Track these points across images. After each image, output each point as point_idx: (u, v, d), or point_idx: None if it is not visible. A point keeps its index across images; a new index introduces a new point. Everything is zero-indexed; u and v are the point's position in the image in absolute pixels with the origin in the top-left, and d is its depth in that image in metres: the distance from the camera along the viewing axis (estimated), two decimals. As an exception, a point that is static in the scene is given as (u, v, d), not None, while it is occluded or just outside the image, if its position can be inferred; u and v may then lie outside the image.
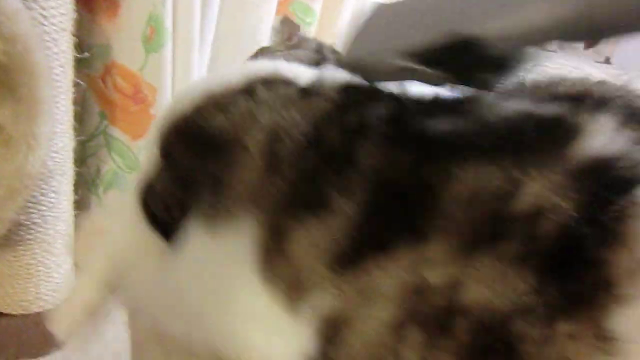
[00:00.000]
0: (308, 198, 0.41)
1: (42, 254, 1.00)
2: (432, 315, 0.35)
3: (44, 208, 0.98)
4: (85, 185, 1.16)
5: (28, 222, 0.97)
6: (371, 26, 0.50)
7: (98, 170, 1.15)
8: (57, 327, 0.63)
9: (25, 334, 1.05)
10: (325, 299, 0.39)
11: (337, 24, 1.50)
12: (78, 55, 0.93)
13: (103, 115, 1.09)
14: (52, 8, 0.84)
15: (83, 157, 1.12)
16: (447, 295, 0.34)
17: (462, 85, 0.46)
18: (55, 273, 1.05)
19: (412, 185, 0.38)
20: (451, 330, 0.34)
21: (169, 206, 0.52)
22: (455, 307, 0.34)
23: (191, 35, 1.04)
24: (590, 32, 0.42)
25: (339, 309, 0.39)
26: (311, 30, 1.41)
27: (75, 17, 0.90)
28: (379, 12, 0.51)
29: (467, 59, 0.43)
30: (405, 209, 0.38)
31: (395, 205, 0.39)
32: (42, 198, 0.97)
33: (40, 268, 1.01)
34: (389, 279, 0.36)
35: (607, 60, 3.35)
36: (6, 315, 1.06)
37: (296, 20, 1.38)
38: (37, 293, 1.04)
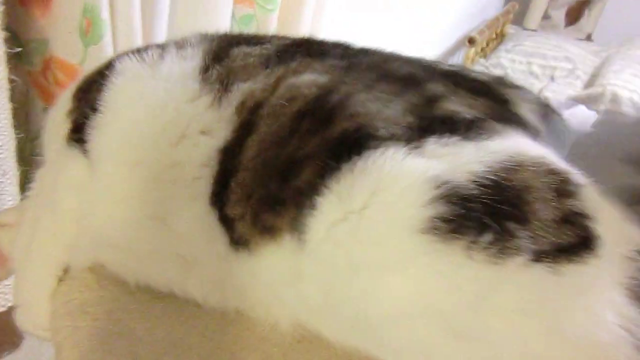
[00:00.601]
0: None
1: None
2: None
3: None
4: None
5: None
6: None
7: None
8: (25, 324, 0.63)
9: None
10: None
11: (301, 11, 1.47)
12: (10, 51, 0.89)
13: (47, 112, 1.06)
14: (-24, 1, 0.81)
15: (29, 155, 1.09)
16: None
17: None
18: (4, 275, 1.02)
19: None
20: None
21: None
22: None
23: (131, 25, 1.01)
24: None
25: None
26: (273, 17, 1.38)
27: (8, 11, 0.87)
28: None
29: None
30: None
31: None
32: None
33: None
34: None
35: (589, 37, 3.35)
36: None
37: (256, 8, 1.35)
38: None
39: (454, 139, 0.43)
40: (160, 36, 1.12)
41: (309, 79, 0.51)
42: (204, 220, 0.52)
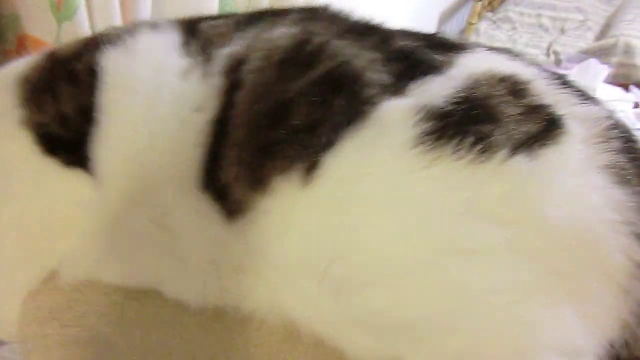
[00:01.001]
0: None
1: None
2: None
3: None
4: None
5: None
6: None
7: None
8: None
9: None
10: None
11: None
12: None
13: None
14: None
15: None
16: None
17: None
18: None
19: None
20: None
21: None
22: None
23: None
24: None
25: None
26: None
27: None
28: None
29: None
30: None
31: None
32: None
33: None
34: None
35: None
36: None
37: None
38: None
39: (427, 77, 0.49)
40: (144, 10, 1.05)
41: (281, 31, 0.54)
42: (196, 210, 0.51)
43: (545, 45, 2.66)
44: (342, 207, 0.46)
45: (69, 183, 0.54)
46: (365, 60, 0.50)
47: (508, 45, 2.71)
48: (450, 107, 0.45)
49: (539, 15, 2.75)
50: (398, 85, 0.48)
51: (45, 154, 0.55)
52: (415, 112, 0.45)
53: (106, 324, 0.53)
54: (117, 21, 0.98)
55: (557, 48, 2.56)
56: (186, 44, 0.55)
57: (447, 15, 3.03)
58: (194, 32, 0.57)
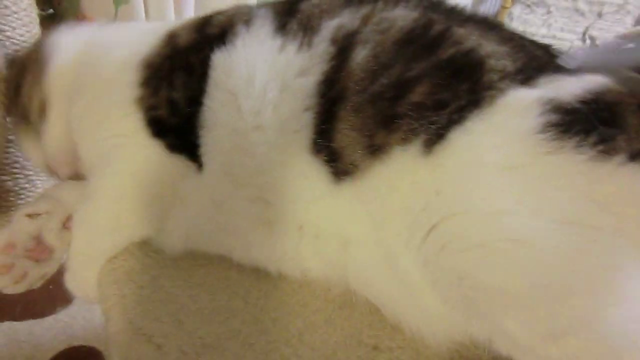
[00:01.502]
0: None
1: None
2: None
3: (30, 172, 0.98)
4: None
5: (16, 188, 0.97)
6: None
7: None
8: (76, 286, 0.64)
9: (30, 295, 1.07)
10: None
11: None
12: (43, 12, 0.89)
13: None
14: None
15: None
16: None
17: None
18: (51, 234, 1.06)
19: None
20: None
21: None
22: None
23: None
24: None
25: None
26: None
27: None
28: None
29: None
30: None
31: None
32: (27, 163, 0.97)
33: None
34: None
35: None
36: None
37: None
38: (36, 255, 1.06)
39: (558, 75, 0.52)
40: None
41: (401, 13, 0.57)
42: (304, 174, 0.55)
43: (581, 29, 2.61)
44: (467, 175, 0.48)
45: (171, 166, 0.59)
46: (488, 49, 0.53)
47: (542, 29, 2.67)
48: (578, 105, 0.48)
49: (575, -1, 2.70)
50: (525, 75, 0.51)
51: (152, 137, 0.60)
52: (544, 102, 0.48)
53: (176, 286, 0.58)
54: (170, 6, 1.02)
55: (594, 33, 2.52)
56: (282, 25, 0.59)
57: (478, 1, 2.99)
58: (293, 11, 0.61)
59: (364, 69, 0.54)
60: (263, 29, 0.60)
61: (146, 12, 1.00)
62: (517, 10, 2.77)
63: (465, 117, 0.50)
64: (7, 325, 1.01)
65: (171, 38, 0.64)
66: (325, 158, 0.54)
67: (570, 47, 2.45)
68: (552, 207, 0.45)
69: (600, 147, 0.45)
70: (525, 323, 0.44)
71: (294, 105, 0.55)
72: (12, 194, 0.96)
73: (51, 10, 0.92)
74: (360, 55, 0.54)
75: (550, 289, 0.43)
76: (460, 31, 0.55)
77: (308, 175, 0.55)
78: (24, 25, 0.85)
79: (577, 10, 2.71)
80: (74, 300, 1.10)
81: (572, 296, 0.43)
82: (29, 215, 0.64)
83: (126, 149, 0.61)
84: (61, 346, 0.99)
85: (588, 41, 2.56)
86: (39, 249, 0.63)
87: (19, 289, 0.61)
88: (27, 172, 0.98)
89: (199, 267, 0.61)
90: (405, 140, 0.51)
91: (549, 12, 2.77)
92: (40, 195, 0.71)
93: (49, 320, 1.04)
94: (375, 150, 0.52)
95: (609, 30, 2.50)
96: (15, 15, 0.83)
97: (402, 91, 0.52)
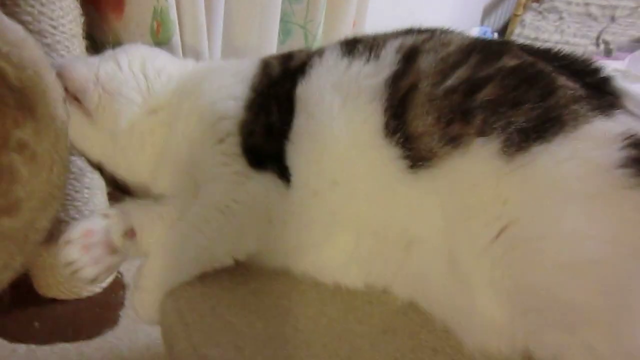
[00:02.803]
0: None
1: (83, 246, 1.08)
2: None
3: (80, 204, 1.05)
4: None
5: (67, 219, 1.04)
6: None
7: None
8: (141, 306, 0.69)
9: (79, 317, 1.15)
10: None
11: None
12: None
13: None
14: (61, 17, 0.88)
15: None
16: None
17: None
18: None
19: None
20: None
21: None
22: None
23: (197, 23, 1.06)
24: None
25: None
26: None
27: (84, 18, 0.93)
28: None
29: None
30: None
31: None
32: (77, 195, 1.04)
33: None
34: None
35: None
36: (62, 301, 1.16)
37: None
38: (85, 280, 1.13)
39: (627, 113, 0.55)
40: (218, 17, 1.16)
41: (458, 36, 0.66)
42: (381, 161, 0.61)
43: (594, 34, 2.64)
44: (551, 195, 0.52)
45: (265, 188, 0.67)
46: (551, 70, 0.58)
47: (555, 36, 2.70)
48: None
49: (587, 4, 2.72)
50: (599, 103, 0.55)
51: (249, 166, 0.68)
52: (625, 136, 0.51)
53: (233, 314, 0.64)
54: (204, 48, 1.09)
55: (607, 37, 2.54)
56: (349, 50, 0.69)
57: (492, 7, 3.02)
58: (357, 41, 0.70)
59: (432, 67, 0.60)
60: (332, 55, 0.70)
61: (183, 52, 1.07)
62: (528, 17, 2.80)
63: (549, 134, 0.53)
64: (60, 347, 1.09)
65: (266, 67, 0.75)
66: (401, 140, 0.60)
67: (584, 52, 2.48)
68: (628, 237, 0.49)
69: None
70: (610, 338, 0.47)
71: (361, 100, 0.63)
72: (63, 224, 1.03)
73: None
74: (428, 59, 0.62)
75: (633, 308, 0.48)
76: (515, 48, 0.61)
77: (383, 161, 0.61)
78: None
79: (589, 15, 2.74)
80: (120, 322, 1.16)
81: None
82: (104, 215, 0.72)
83: (223, 178, 0.68)
84: (111, 366, 1.06)
85: (602, 46, 2.58)
86: (109, 243, 0.70)
87: (93, 272, 0.68)
88: (76, 204, 1.05)
89: (251, 294, 0.67)
90: (484, 134, 0.56)
91: (561, 18, 2.80)
92: (112, 206, 0.80)
93: (97, 342, 1.11)
94: (454, 139, 0.57)
95: (624, 34, 2.52)
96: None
97: (473, 87, 0.57)
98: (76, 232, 0.68)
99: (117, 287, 1.21)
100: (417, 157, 0.59)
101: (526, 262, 0.52)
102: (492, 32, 2.74)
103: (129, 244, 0.72)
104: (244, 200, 0.66)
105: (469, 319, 0.58)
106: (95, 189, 1.06)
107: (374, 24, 1.66)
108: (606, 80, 0.60)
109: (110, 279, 1.20)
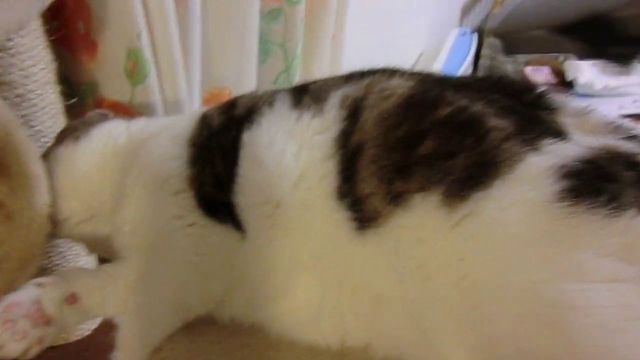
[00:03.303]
0: None
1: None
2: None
3: (63, 249, 1.03)
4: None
5: (50, 265, 1.02)
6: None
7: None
8: None
9: (70, 362, 1.13)
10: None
11: (327, 3, 1.46)
12: (67, 103, 0.95)
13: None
14: (32, 66, 0.86)
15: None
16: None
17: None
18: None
19: None
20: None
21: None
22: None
23: (174, 58, 1.04)
24: None
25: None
26: (300, 10, 1.38)
27: (56, 62, 0.92)
28: None
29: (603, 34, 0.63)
30: None
31: None
32: (60, 241, 1.02)
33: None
34: None
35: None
36: (50, 348, 1.13)
37: (282, 2, 1.35)
38: (73, 324, 1.11)
39: (556, 139, 0.56)
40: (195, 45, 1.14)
41: (398, 82, 0.64)
42: (335, 222, 0.60)
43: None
44: (498, 245, 0.53)
45: (226, 239, 0.66)
46: (481, 108, 0.58)
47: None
48: (585, 167, 0.52)
49: None
50: (528, 138, 0.56)
51: (205, 215, 0.67)
52: (555, 170, 0.52)
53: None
54: (181, 83, 1.08)
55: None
56: (297, 101, 0.68)
57: (469, 7, 3.02)
58: (304, 91, 0.70)
59: (373, 123, 0.60)
60: (283, 105, 0.69)
61: (162, 91, 1.06)
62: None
63: (488, 179, 0.54)
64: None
65: (205, 119, 0.73)
66: (349, 203, 0.59)
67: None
68: (585, 268, 0.49)
69: (612, 205, 0.49)
70: None
71: (315, 156, 0.63)
72: (47, 272, 1.01)
73: (74, 100, 0.98)
74: (371, 116, 0.61)
75: (615, 348, 0.47)
76: (451, 95, 0.61)
77: (335, 222, 0.60)
78: (51, 117, 0.91)
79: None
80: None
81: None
82: (37, 284, 0.69)
83: (184, 231, 0.67)
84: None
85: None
86: (37, 314, 0.66)
87: (18, 347, 0.64)
88: (59, 249, 1.03)
89: (239, 348, 0.66)
90: (423, 189, 0.56)
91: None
92: (54, 273, 0.77)
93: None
94: (396, 197, 0.57)
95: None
96: (44, 110, 0.89)
97: (413, 143, 0.58)
98: None
99: (108, 329, 1.19)
100: (364, 218, 0.59)
101: (490, 316, 0.52)
102: (472, 32, 2.74)
103: (70, 311, 0.70)
104: (204, 252, 0.66)
105: None
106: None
107: (353, 35, 1.67)
108: (540, 97, 0.63)
109: (98, 321, 1.18)
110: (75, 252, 1.06)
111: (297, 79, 1.48)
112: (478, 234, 0.53)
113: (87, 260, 1.06)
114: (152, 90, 1.03)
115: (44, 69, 0.89)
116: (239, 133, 0.69)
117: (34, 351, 0.66)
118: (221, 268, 0.66)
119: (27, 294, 0.67)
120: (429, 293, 0.55)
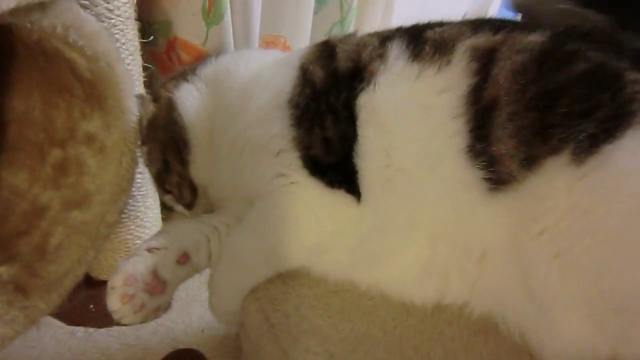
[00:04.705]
0: None
1: (136, 229, 1.08)
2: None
3: (133, 188, 1.04)
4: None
5: (130, 236, 1.04)
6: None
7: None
8: (219, 311, 0.72)
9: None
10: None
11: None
12: (144, 40, 0.93)
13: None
14: (115, 0, 0.84)
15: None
16: None
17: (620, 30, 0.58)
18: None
19: None
20: None
21: None
22: None
23: (248, 3, 1.01)
24: None
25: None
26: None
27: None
28: None
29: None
30: None
31: None
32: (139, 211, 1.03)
33: (136, 241, 1.09)
34: None
35: None
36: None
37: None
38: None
39: None
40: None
41: (533, 35, 0.60)
42: (461, 182, 0.58)
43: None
44: (623, 189, 0.51)
45: (332, 201, 0.63)
46: (617, 63, 0.56)
47: None
48: None
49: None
50: None
51: (310, 175, 0.64)
52: None
53: (318, 316, 0.63)
54: (255, 28, 1.05)
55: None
56: (415, 55, 0.64)
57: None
58: (419, 41, 0.65)
59: (507, 80, 0.57)
60: (399, 60, 0.64)
61: (234, 32, 1.03)
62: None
63: (619, 131, 0.52)
64: (117, 329, 1.09)
65: (306, 75, 0.68)
66: (484, 163, 0.57)
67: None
68: None
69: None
70: None
71: (443, 114, 0.59)
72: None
73: (152, 37, 0.97)
74: (504, 70, 0.58)
75: None
76: (589, 50, 0.58)
77: (463, 182, 0.58)
78: (131, 54, 0.90)
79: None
80: (174, 305, 1.17)
81: None
82: (149, 250, 0.69)
83: (286, 189, 0.65)
84: (167, 349, 1.06)
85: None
86: (154, 283, 0.67)
87: (136, 319, 0.65)
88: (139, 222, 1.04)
89: (333, 294, 0.66)
90: (556, 150, 0.54)
91: None
92: (159, 231, 0.76)
93: (152, 325, 1.12)
94: (531, 161, 0.55)
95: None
96: (124, 46, 0.88)
97: (549, 102, 0.55)
98: (117, 279, 0.64)
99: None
100: (498, 180, 0.57)
101: (618, 271, 0.51)
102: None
103: (182, 271, 0.70)
104: (302, 210, 0.65)
105: (548, 334, 0.56)
106: (147, 172, 1.05)
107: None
108: None
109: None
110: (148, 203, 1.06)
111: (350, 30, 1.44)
112: (607, 185, 0.51)
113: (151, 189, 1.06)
114: (227, 32, 1.00)
115: (126, 3, 0.87)
116: (351, 95, 0.64)
117: (152, 318, 0.68)
118: (323, 230, 0.64)
119: (143, 263, 0.67)
120: (547, 253, 0.54)
